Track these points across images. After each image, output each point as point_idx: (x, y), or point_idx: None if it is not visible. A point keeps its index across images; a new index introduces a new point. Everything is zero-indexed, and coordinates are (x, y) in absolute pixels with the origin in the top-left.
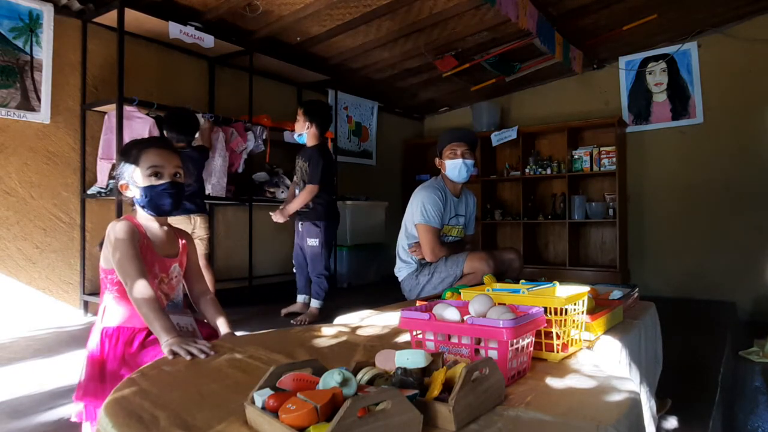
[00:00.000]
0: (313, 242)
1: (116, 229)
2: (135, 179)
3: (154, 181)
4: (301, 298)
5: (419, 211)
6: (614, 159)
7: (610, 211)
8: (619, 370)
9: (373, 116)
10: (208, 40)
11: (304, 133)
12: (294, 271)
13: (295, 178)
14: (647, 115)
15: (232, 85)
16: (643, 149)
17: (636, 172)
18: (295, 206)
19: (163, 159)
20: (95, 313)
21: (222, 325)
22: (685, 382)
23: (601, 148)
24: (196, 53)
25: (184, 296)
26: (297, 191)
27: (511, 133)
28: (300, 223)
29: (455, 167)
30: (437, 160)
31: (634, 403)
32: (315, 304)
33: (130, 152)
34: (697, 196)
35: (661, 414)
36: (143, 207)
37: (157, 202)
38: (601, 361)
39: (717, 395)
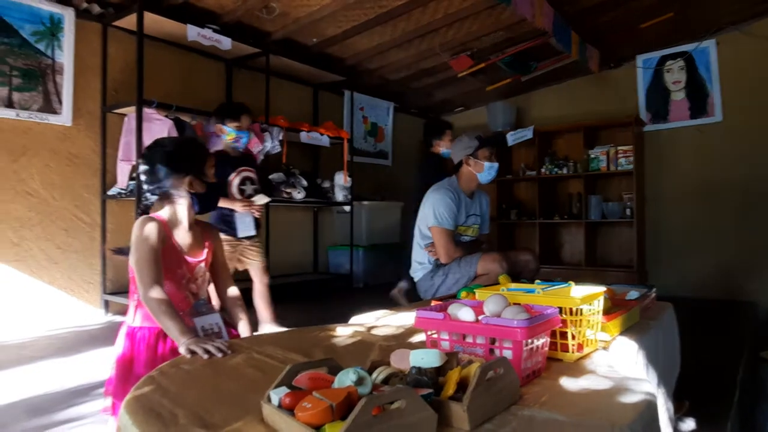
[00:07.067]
0: None
1: (139, 228)
2: (206, 176)
3: (214, 180)
4: None
5: (432, 213)
6: (631, 158)
7: (628, 211)
8: (636, 371)
9: (388, 116)
10: (225, 43)
11: None
12: None
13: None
14: (665, 114)
15: (249, 86)
16: (661, 148)
17: (654, 172)
18: None
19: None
20: (116, 313)
21: (243, 328)
22: (704, 384)
23: (618, 148)
24: (213, 55)
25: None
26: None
27: (527, 133)
28: None
29: (492, 169)
30: (470, 159)
31: (649, 405)
32: None
33: (197, 150)
34: (716, 195)
35: (679, 416)
36: (204, 203)
37: (217, 199)
38: (617, 361)
39: (736, 397)
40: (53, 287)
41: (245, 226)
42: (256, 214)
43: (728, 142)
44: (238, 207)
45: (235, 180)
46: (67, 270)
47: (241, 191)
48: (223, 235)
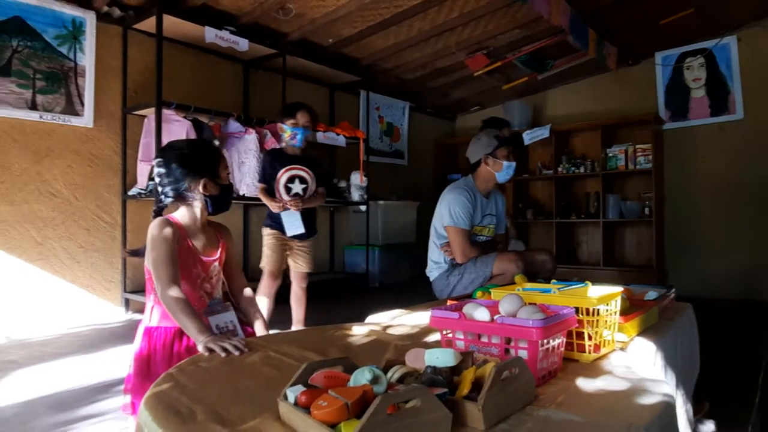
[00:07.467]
0: None
1: (156, 229)
2: (220, 178)
3: (228, 182)
4: None
5: (448, 213)
6: (650, 156)
7: (646, 210)
8: (654, 372)
9: (404, 116)
10: (242, 44)
11: None
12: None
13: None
14: (685, 112)
15: (266, 87)
16: (681, 146)
17: (673, 170)
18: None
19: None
20: (136, 311)
21: (258, 326)
22: (724, 385)
23: (637, 146)
24: (231, 57)
25: (224, 292)
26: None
27: (544, 132)
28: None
29: (510, 168)
30: (489, 158)
31: (667, 406)
32: None
33: (212, 152)
34: (737, 194)
35: (699, 417)
36: (217, 204)
37: (230, 200)
38: (635, 362)
39: (757, 398)
40: (75, 285)
41: (292, 225)
42: (293, 208)
43: (749, 141)
44: (270, 203)
45: (281, 178)
46: (89, 269)
47: (288, 189)
48: (269, 229)
